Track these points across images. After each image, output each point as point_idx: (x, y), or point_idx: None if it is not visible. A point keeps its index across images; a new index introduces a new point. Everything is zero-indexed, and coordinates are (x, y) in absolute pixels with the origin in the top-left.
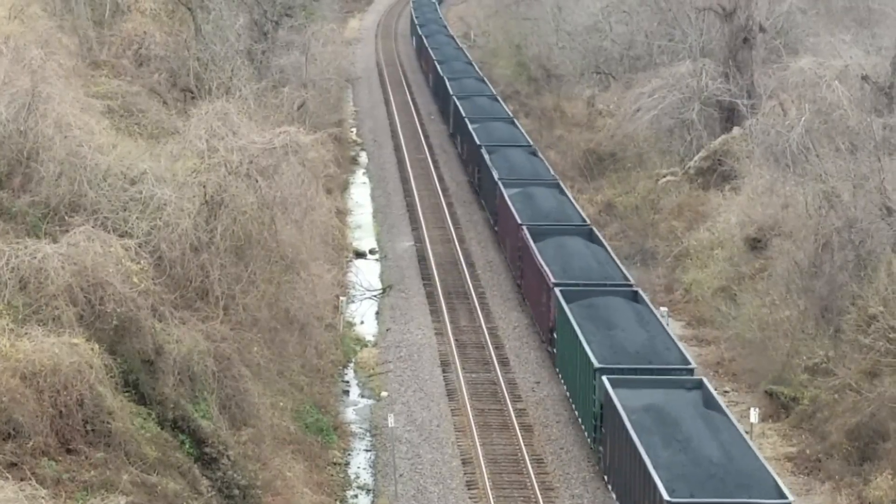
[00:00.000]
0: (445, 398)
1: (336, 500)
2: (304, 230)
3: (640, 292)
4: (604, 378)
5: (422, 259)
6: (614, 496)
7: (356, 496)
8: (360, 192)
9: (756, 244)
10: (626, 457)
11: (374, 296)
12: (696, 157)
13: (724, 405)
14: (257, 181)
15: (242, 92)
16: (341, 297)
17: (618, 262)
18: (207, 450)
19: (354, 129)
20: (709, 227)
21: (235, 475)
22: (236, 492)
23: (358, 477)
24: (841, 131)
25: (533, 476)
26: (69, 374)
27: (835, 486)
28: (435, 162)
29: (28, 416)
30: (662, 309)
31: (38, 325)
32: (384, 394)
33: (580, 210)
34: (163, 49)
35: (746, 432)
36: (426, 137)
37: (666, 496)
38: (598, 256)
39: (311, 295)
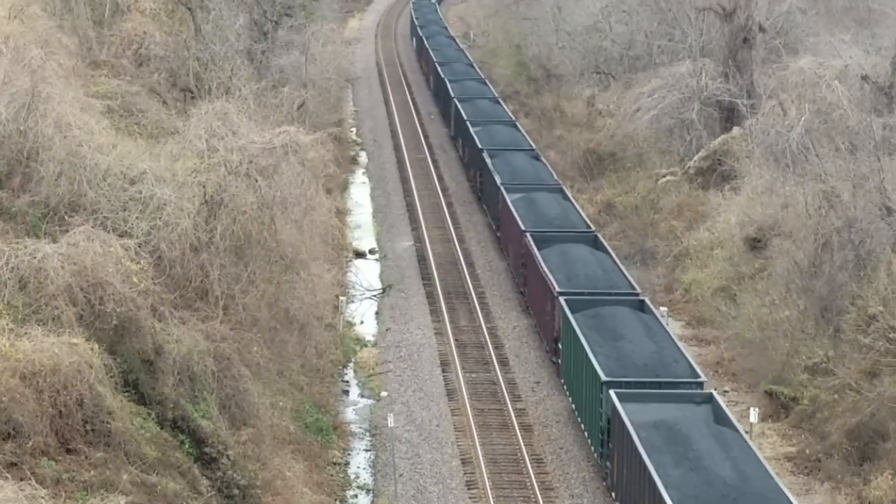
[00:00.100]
0: (445, 398)
1: (336, 499)
2: (304, 230)
3: (648, 301)
4: (611, 392)
5: (421, 259)
6: None
7: (356, 496)
8: (360, 192)
9: (756, 244)
10: (635, 475)
11: (374, 296)
12: (695, 157)
13: (735, 420)
14: (257, 181)
15: (242, 92)
16: (341, 297)
17: (623, 269)
18: (207, 450)
19: (354, 129)
20: (708, 226)
21: (235, 475)
22: (236, 492)
23: (358, 477)
24: (841, 131)
25: (533, 476)
26: (69, 373)
27: (835, 486)
28: (434, 162)
29: (28, 416)
30: (662, 309)
31: (38, 324)
32: (384, 394)
33: (585, 216)
34: (162, 49)
35: (746, 432)
36: (426, 137)
37: None
38: (603, 264)
39: (310, 295)
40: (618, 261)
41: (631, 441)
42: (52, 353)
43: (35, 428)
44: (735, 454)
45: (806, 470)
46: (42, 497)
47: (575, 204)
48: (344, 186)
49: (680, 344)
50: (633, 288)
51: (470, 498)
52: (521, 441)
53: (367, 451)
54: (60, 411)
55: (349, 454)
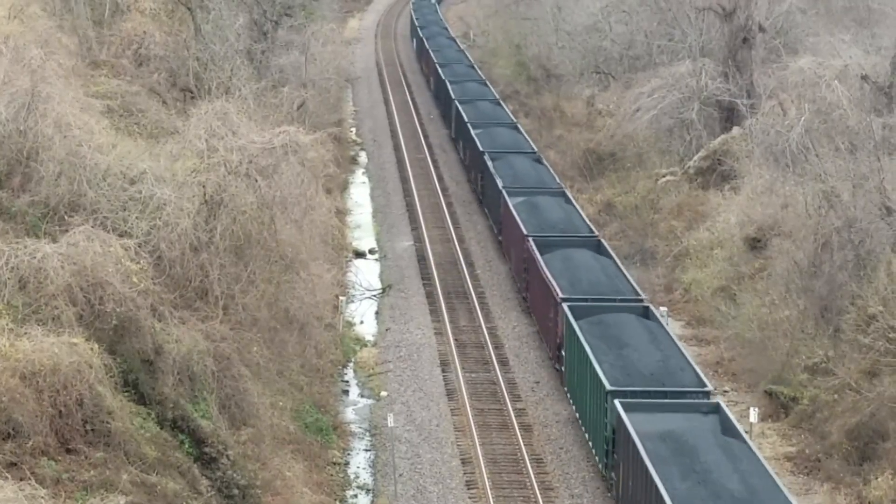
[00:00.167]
0: (445, 398)
1: (336, 499)
2: (304, 230)
3: (652, 308)
4: (616, 402)
5: (421, 259)
6: None
7: (356, 496)
8: (360, 192)
9: (756, 244)
10: (641, 487)
11: (374, 295)
12: (695, 157)
13: (742, 431)
14: (257, 181)
15: (242, 92)
16: (341, 297)
17: (628, 275)
18: (207, 449)
19: (354, 129)
20: (708, 226)
21: (235, 475)
22: (236, 491)
23: (357, 477)
24: (841, 131)
25: (532, 476)
26: (69, 373)
27: (834, 486)
28: (434, 161)
29: (28, 416)
30: (662, 309)
31: (38, 324)
32: (384, 393)
33: (588, 220)
34: (162, 49)
35: (746, 432)
36: (426, 137)
37: None
38: (607, 270)
39: (310, 295)
40: (622, 266)
41: (637, 452)
42: (52, 353)
43: (35, 428)
44: (743, 467)
45: (806, 470)
46: (42, 497)
47: (578, 208)
48: (344, 186)
49: (686, 352)
50: (638, 294)
51: (470, 498)
52: (520, 441)
53: (366, 450)
54: (60, 411)
55: (349, 454)
